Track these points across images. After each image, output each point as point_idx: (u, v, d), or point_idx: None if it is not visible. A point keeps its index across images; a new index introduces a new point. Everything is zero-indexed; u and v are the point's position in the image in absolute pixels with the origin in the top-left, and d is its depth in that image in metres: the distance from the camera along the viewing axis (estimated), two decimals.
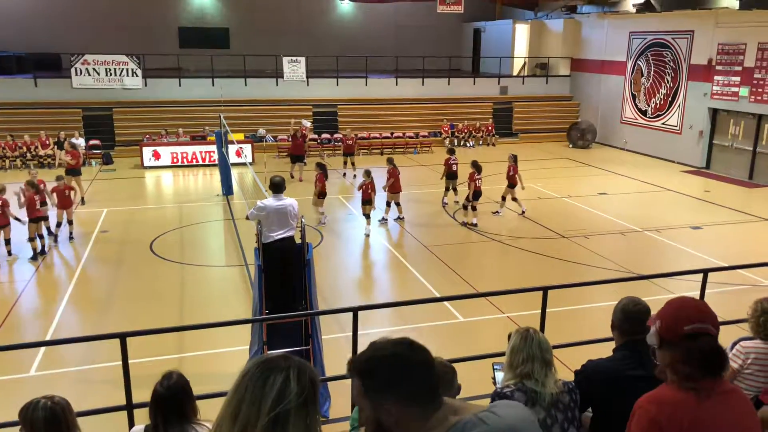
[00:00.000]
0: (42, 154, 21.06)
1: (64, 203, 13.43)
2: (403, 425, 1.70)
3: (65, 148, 18.17)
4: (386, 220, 15.28)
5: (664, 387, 2.25)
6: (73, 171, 16.62)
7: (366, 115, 26.14)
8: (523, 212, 15.87)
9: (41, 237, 12.67)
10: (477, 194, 14.83)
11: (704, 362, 2.13)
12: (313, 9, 30.97)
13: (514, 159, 16.18)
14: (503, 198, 16.11)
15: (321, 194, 15.13)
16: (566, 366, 5.24)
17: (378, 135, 25.27)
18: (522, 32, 30.46)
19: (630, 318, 3.36)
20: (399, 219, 15.39)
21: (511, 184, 15.95)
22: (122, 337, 4.90)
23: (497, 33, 31.45)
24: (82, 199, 16.70)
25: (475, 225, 14.83)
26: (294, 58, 25.09)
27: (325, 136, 24.72)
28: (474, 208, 14.91)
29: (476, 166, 14.98)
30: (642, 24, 24.33)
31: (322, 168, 15.19)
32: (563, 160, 23.27)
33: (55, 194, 13.24)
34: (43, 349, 8.87)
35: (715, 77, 21.40)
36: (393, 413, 1.69)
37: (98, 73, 23.23)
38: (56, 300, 10.74)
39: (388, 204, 15.30)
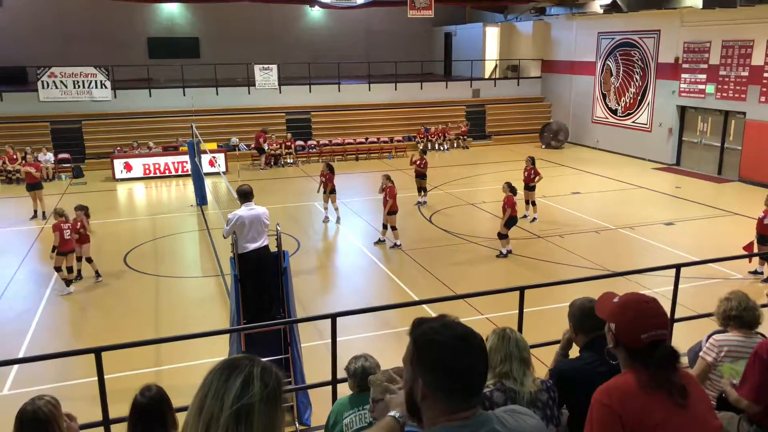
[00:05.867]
0: (10, 169, 20.66)
1: (79, 239, 11.90)
2: (427, 406, 1.78)
3: (28, 160, 17.88)
4: (397, 245, 13.81)
5: (619, 378, 2.36)
6: (35, 185, 16.33)
7: (340, 121, 26.12)
8: (533, 219, 15.61)
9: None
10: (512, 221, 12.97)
11: (662, 367, 2.25)
12: (284, 16, 30.89)
13: (532, 161, 15.84)
14: (531, 203, 15.74)
15: (332, 191, 15.61)
16: (544, 364, 5.27)
17: (352, 141, 25.27)
18: (492, 35, 30.72)
19: (590, 315, 3.46)
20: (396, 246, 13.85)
21: (529, 186, 15.61)
22: (97, 351, 4.80)
23: (468, 36, 31.68)
24: (44, 213, 16.36)
25: (505, 254, 13.04)
26: (265, 66, 25.01)
27: (299, 143, 24.64)
28: (504, 236, 13.03)
29: (511, 188, 12.99)
30: (610, 24, 24.69)
31: (329, 168, 15.60)
32: (536, 160, 23.53)
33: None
34: (16, 366, 8.69)
35: (682, 75, 21.79)
36: (422, 391, 1.77)
37: (66, 86, 22.92)
38: (29, 315, 10.52)
39: (394, 228, 13.86)
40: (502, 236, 13.01)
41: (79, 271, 12.06)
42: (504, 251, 13.03)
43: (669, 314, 6.50)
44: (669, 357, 2.26)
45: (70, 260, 11.50)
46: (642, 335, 2.26)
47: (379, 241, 14.11)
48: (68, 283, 11.49)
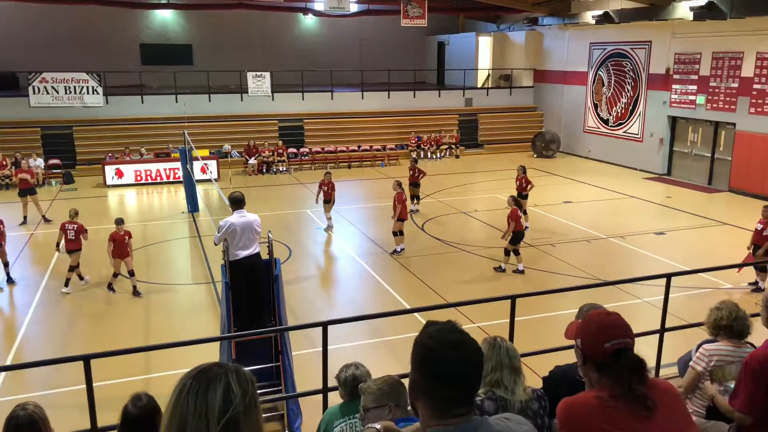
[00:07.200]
0: None
1: (122, 252, 11.63)
2: (419, 407, 1.85)
3: (21, 167, 17.85)
4: (397, 251, 13.87)
5: (581, 394, 2.38)
6: (30, 190, 16.31)
7: (332, 129, 26.13)
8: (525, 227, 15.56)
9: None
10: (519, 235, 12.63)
11: (630, 376, 2.28)
12: (277, 24, 30.95)
13: (523, 170, 15.84)
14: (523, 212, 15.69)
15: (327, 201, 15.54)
16: (535, 373, 5.27)
17: (345, 148, 25.28)
18: (485, 44, 30.87)
19: None
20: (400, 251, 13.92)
21: (522, 195, 15.50)
22: (86, 359, 4.75)
23: (461, 46, 31.82)
24: (44, 217, 16.40)
25: (521, 272, 12.72)
26: (258, 73, 25.01)
27: (291, 150, 24.63)
28: (516, 252, 12.74)
29: (516, 202, 12.77)
30: (602, 35, 24.86)
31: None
32: (528, 169, 23.63)
33: (111, 242, 11.61)
34: (3, 374, 8.61)
35: (673, 86, 21.95)
36: (415, 390, 1.84)
37: (57, 92, 22.83)
38: (17, 323, 10.43)
39: (396, 233, 13.92)
40: (507, 252, 12.65)
41: (134, 287, 11.66)
42: (503, 266, 12.62)
43: (660, 323, 6.52)
44: (634, 365, 2.29)
45: (75, 260, 11.78)
46: (605, 344, 2.31)
47: (400, 250, 13.97)
48: (66, 282, 11.77)
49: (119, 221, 11.82)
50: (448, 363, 1.76)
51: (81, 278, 12.09)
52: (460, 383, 1.78)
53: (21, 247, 14.41)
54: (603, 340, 2.33)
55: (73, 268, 11.88)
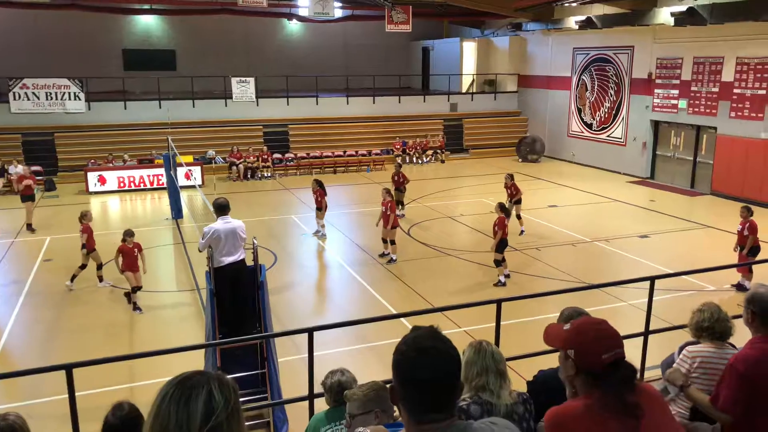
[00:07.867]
0: None
1: (131, 265, 11.21)
2: (401, 410, 1.86)
3: (23, 173, 17.64)
4: (393, 259, 13.68)
5: (570, 403, 2.35)
6: (31, 197, 16.18)
7: (317, 134, 26.11)
8: (521, 232, 15.49)
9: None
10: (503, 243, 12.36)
11: (623, 386, 2.26)
12: (262, 29, 30.89)
13: (511, 177, 15.99)
14: (516, 216, 15.66)
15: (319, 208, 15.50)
16: (521, 377, 5.27)
17: (330, 153, 25.26)
18: (469, 50, 31.03)
19: None
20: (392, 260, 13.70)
21: (516, 201, 15.59)
22: (68, 368, 4.70)
23: (445, 51, 31.96)
24: (29, 225, 16.22)
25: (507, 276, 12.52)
26: (243, 79, 24.94)
27: (276, 156, 24.57)
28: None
29: (504, 209, 12.63)
30: (585, 40, 25.08)
31: (320, 185, 15.47)
32: (515, 174, 23.73)
33: (120, 254, 11.25)
34: None
35: (656, 90, 22.18)
36: (394, 395, 1.87)
37: (38, 98, 22.60)
38: None
39: (386, 241, 13.87)
40: (498, 263, 12.38)
41: (134, 303, 11.22)
42: (503, 279, 12.34)
43: (644, 326, 6.56)
44: (629, 376, 2.28)
45: (84, 259, 12.21)
46: (603, 356, 2.26)
47: (384, 255, 13.90)
48: (100, 278, 12.41)
49: (128, 233, 11.41)
50: (418, 368, 1.77)
51: (88, 279, 12.31)
52: (431, 388, 1.77)
53: (2, 255, 14.22)
54: (600, 351, 2.28)
55: (83, 267, 12.17)
